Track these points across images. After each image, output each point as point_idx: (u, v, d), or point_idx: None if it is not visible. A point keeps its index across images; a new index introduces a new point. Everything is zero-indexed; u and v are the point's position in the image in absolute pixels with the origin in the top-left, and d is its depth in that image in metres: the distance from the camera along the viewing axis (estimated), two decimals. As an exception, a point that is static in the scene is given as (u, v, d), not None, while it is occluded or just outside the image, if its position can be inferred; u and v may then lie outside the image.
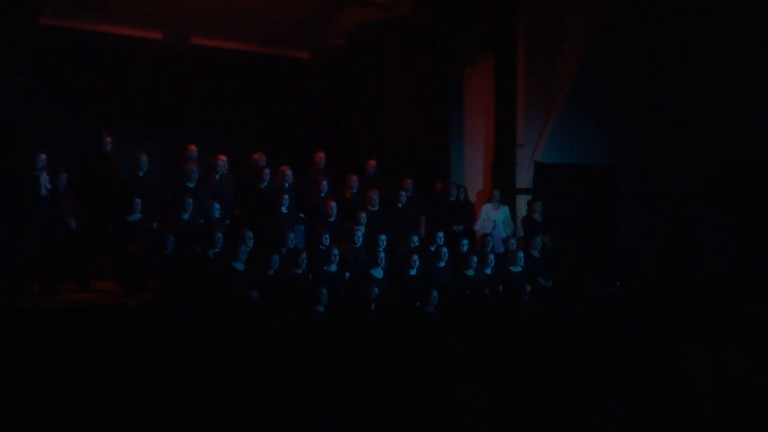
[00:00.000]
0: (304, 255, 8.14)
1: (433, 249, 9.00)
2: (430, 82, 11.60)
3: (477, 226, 10.13)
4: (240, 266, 7.89)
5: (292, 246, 8.43)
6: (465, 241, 9.22)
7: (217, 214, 8.67)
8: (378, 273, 8.45)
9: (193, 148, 9.52)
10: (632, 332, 7.54)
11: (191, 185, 9.02)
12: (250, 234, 8.08)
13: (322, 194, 9.38)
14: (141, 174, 9.03)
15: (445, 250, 8.86)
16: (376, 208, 9.37)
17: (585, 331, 7.60)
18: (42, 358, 6.41)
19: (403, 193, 9.75)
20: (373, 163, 10.15)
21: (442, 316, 7.83)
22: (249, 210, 9.20)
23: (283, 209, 8.91)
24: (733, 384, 6.13)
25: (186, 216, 8.60)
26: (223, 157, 9.38)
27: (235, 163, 9.68)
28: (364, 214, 9.05)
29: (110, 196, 8.96)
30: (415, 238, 9.15)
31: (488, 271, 9.08)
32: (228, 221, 8.99)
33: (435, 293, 7.99)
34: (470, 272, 8.89)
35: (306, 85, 12.44)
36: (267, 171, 9.31)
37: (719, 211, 11.21)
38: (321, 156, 9.95)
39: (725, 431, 5.85)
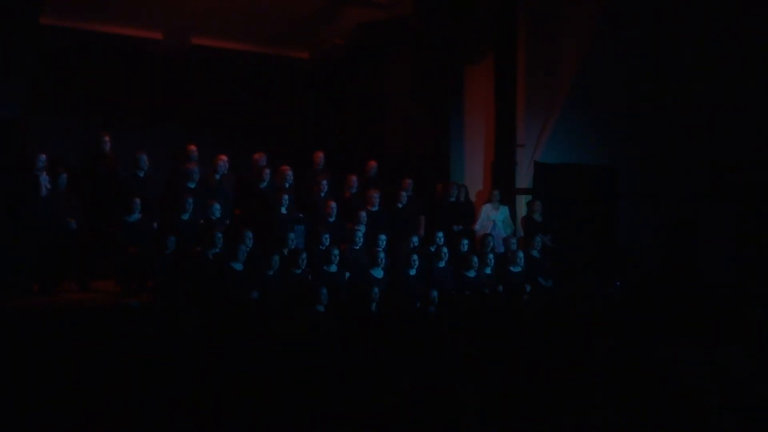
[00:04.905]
0: (304, 255, 8.15)
1: (433, 249, 9.00)
2: (430, 82, 11.58)
3: (477, 226, 10.13)
4: (239, 266, 7.89)
5: (293, 247, 8.44)
6: (465, 241, 9.22)
7: (217, 214, 8.67)
8: (378, 273, 8.44)
9: (193, 148, 9.51)
10: (632, 332, 7.54)
11: (191, 185, 9.02)
12: (250, 234, 8.08)
13: (322, 194, 9.38)
14: (141, 174, 9.02)
15: (445, 250, 8.86)
16: (376, 208, 9.37)
17: (585, 331, 7.61)
18: (42, 358, 6.41)
19: (403, 193, 9.75)
20: (373, 164, 10.14)
21: (442, 316, 7.83)
22: (249, 210, 9.20)
23: (283, 209, 8.91)
24: (732, 385, 6.13)
25: (186, 216, 8.60)
26: (223, 157, 9.38)
27: (235, 163, 9.68)
28: (364, 214, 9.05)
29: (110, 196, 8.95)
30: (415, 238, 9.14)
31: (488, 271, 9.08)
32: (228, 221, 8.99)
33: (435, 293, 7.99)
34: (470, 273, 8.88)
35: (306, 85, 12.43)
36: (267, 171, 9.31)
37: (719, 212, 11.21)
38: (321, 156, 9.94)
39: None
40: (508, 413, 5.94)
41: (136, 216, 8.56)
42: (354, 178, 9.77)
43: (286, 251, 8.35)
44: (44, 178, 8.52)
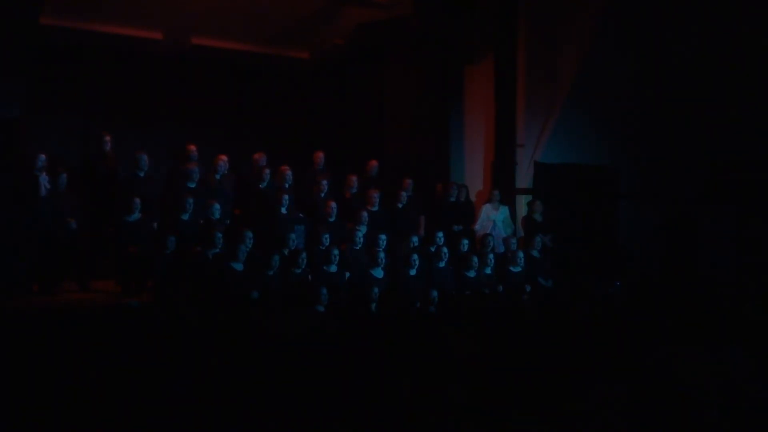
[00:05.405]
0: (304, 255, 8.15)
1: (433, 249, 9.00)
2: (430, 82, 11.59)
3: (477, 226, 10.13)
4: (239, 266, 7.89)
5: (293, 247, 8.44)
6: (465, 241, 9.22)
7: (217, 214, 8.68)
8: (378, 273, 8.45)
9: (193, 148, 9.52)
10: (632, 332, 7.54)
11: (191, 185, 9.02)
12: (250, 234, 8.08)
13: (322, 194, 9.38)
14: (141, 174, 9.03)
15: (445, 250, 8.86)
16: (376, 208, 9.37)
17: (585, 331, 7.61)
18: (42, 358, 6.41)
19: (403, 193, 9.75)
20: (374, 163, 10.14)
21: (442, 316, 7.83)
22: (249, 210, 9.20)
23: (283, 209, 8.92)
24: (732, 385, 6.13)
25: (186, 216, 8.60)
26: (224, 157, 9.38)
27: (235, 163, 9.68)
28: (364, 214, 9.05)
29: (110, 196, 8.95)
30: (415, 238, 9.14)
31: (488, 271, 9.08)
32: (228, 221, 8.99)
33: (435, 293, 7.99)
34: (470, 273, 8.88)
35: (306, 85, 12.43)
36: (267, 171, 9.31)
37: (719, 212, 11.21)
38: (321, 156, 9.94)
39: (725, 432, 5.85)
40: (507, 413, 5.94)
41: (136, 216, 8.57)
42: (354, 178, 9.77)
43: (286, 251, 8.35)
44: (44, 178, 8.52)
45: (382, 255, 8.51)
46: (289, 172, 9.31)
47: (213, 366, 6.34)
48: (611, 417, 5.90)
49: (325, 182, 9.49)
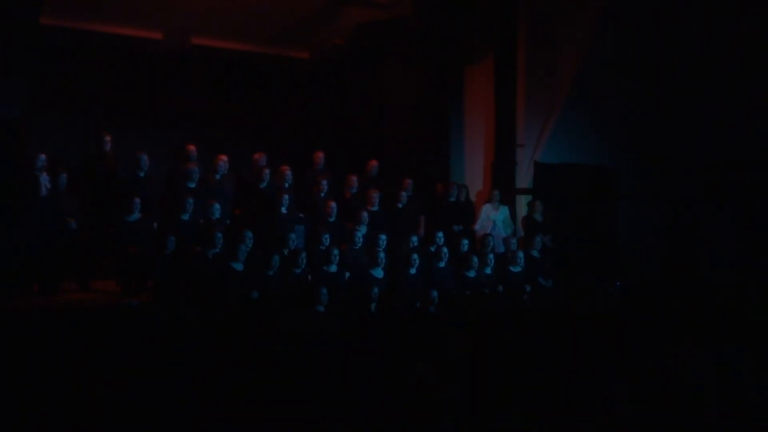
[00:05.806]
0: (304, 255, 8.15)
1: (433, 249, 9.00)
2: (430, 82, 11.60)
3: (477, 226, 10.13)
4: (239, 266, 7.89)
5: (293, 247, 8.44)
6: (465, 241, 9.22)
7: (217, 214, 8.68)
8: (378, 273, 8.45)
9: (193, 148, 9.53)
10: (632, 332, 7.54)
11: (191, 185, 9.03)
12: (249, 234, 8.08)
13: (322, 194, 9.38)
14: (141, 174, 9.03)
15: (445, 250, 8.86)
16: (376, 207, 9.37)
17: (585, 331, 7.61)
18: (42, 358, 6.41)
19: (403, 193, 9.75)
20: (374, 163, 10.15)
21: (442, 316, 7.83)
22: (249, 210, 9.21)
23: (283, 209, 8.92)
24: (732, 385, 6.13)
25: (186, 216, 8.60)
26: (224, 157, 9.38)
27: (235, 163, 9.68)
28: (365, 214, 9.05)
29: (110, 196, 8.96)
30: (415, 238, 9.14)
31: (488, 271, 9.08)
32: (228, 221, 8.99)
33: (435, 293, 7.99)
34: (470, 273, 8.88)
35: (306, 85, 12.44)
36: (267, 171, 9.31)
37: (719, 212, 11.21)
38: (321, 156, 9.95)
39: None
40: (507, 413, 5.94)
41: (136, 216, 8.57)
42: (354, 178, 9.78)
43: (286, 251, 8.36)
44: (44, 178, 8.53)
45: (382, 255, 8.50)
46: (289, 172, 9.31)
47: (213, 366, 6.33)
48: (611, 417, 5.90)
49: (325, 182, 9.49)
